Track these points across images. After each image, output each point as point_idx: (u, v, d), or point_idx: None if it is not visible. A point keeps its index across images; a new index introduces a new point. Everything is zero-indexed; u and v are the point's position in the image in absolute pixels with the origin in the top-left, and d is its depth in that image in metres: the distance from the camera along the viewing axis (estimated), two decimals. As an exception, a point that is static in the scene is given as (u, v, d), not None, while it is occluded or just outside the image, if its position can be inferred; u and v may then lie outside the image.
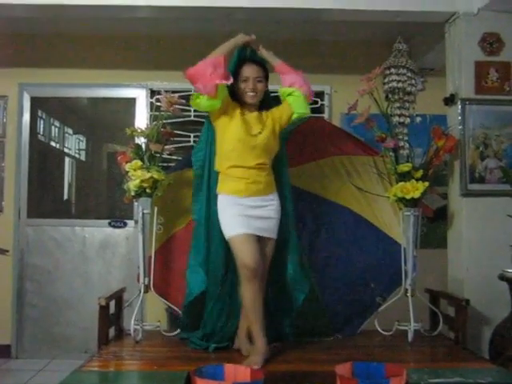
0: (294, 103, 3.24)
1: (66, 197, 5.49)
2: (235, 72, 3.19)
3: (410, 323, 3.50)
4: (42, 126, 5.39)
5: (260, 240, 3.11)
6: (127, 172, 3.48)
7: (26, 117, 5.11)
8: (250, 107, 3.23)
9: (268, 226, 3.15)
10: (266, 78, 3.26)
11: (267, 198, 3.17)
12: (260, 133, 3.15)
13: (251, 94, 3.17)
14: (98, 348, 3.32)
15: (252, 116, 3.21)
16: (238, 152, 3.13)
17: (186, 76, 3.06)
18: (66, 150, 5.56)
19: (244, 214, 3.08)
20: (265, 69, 3.25)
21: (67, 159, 5.60)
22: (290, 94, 3.25)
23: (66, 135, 5.64)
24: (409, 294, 3.54)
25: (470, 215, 3.80)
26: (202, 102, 3.09)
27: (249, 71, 3.18)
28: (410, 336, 3.48)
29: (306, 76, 3.33)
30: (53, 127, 5.56)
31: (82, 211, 5.42)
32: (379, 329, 3.64)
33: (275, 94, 3.39)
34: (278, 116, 3.26)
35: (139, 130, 3.65)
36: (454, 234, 3.94)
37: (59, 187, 5.46)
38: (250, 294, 3.03)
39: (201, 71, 2.99)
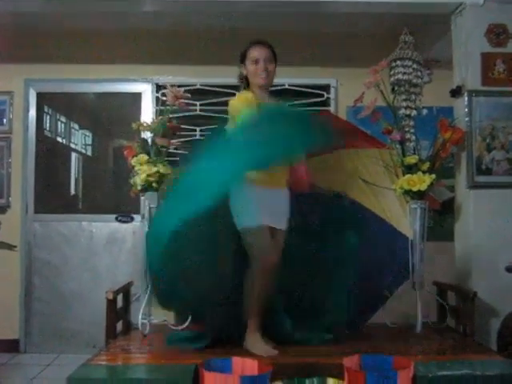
0: None
1: (72, 192, 5.50)
2: (243, 58, 3.16)
3: (417, 316, 3.49)
4: (48, 121, 5.40)
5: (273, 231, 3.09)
6: (133, 166, 3.49)
7: (32, 112, 5.13)
8: (263, 95, 3.15)
9: (282, 218, 3.13)
10: (275, 59, 3.18)
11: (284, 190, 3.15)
12: None
13: (263, 74, 3.10)
14: (106, 342, 3.33)
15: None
16: None
17: None
18: (72, 146, 5.57)
19: (266, 204, 3.02)
20: (273, 50, 3.18)
21: (74, 154, 5.61)
22: None
23: (73, 130, 5.65)
24: (416, 287, 3.54)
25: (477, 207, 3.79)
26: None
27: (258, 52, 3.12)
28: (418, 328, 3.48)
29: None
30: (59, 123, 5.57)
31: (88, 206, 5.44)
32: (387, 321, 3.64)
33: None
34: None
35: (145, 125, 3.65)
36: (461, 226, 3.92)
37: (66, 182, 5.48)
38: (263, 286, 3.03)
39: None
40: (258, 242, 3.03)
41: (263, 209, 3.01)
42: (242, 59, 3.18)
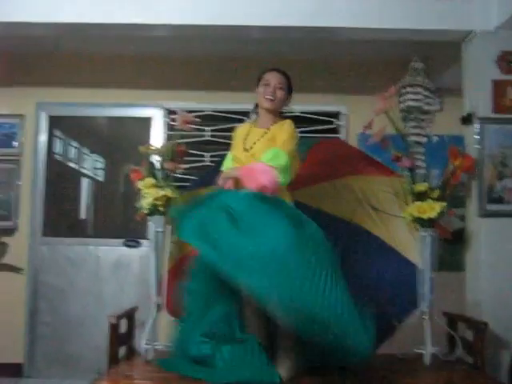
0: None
1: (82, 216, 5.49)
2: (258, 81, 3.21)
3: (426, 347, 3.42)
4: (58, 145, 5.42)
5: None
6: (140, 190, 3.47)
7: (43, 136, 5.15)
8: (267, 119, 3.18)
9: None
10: (289, 90, 3.23)
11: None
12: (251, 147, 3.10)
13: (270, 96, 3.12)
14: (108, 367, 3.28)
15: (256, 131, 3.16)
16: None
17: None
18: (82, 170, 5.58)
19: None
20: (289, 81, 3.22)
21: (84, 179, 5.62)
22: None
23: (83, 155, 5.66)
24: (425, 317, 3.47)
25: (489, 236, 3.73)
26: None
27: (271, 77, 3.16)
28: (427, 360, 3.40)
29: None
30: (70, 147, 5.60)
31: (96, 231, 5.42)
32: (396, 352, 3.56)
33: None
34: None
35: (153, 148, 3.65)
36: (472, 256, 3.86)
37: (75, 206, 5.48)
38: None
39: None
40: None
41: None
42: (258, 83, 3.22)
